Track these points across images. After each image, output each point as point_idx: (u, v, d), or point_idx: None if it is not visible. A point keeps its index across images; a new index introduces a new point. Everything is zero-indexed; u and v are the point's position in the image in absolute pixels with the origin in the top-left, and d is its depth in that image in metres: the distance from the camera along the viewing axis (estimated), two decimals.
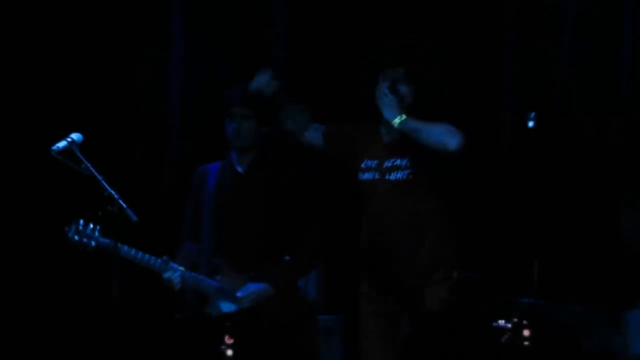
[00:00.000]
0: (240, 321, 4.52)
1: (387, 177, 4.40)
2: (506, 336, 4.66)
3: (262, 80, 4.61)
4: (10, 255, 5.87)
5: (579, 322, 5.24)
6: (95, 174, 4.15)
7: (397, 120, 4.30)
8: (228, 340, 4.45)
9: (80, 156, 4.18)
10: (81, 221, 4.52)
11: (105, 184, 4.13)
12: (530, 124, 4.45)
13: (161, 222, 5.57)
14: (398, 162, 4.39)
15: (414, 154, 4.35)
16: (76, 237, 4.50)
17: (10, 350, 5.84)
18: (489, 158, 5.97)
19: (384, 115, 4.35)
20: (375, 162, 4.44)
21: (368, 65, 4.46)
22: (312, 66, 6.07)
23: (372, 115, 4.42)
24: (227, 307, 4.57)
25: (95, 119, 5.83)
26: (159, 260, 4.52)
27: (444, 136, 4.24)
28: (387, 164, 4.41)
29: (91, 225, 4.52)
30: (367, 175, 4.45)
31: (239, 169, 4.69)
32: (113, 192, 4.12)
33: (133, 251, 4.47)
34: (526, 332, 4.75)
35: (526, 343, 4.76)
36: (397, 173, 4.39)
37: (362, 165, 4.47)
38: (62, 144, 4.21)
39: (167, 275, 4.52)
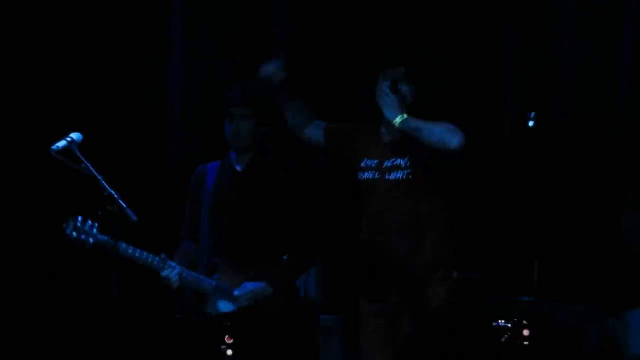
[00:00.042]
0: (239, 321, 4.52)
1: (387, 177, 4.40)
2: (506, 336, 4.65)
3: (271, 69, 4.61)
4: (11, 255, 5.87)
5: (579, 321, 5.24)
6: (95, 173, 4.14)
7: (398, 120, 4.30)
8: (228, 340, 4.45)
9: (80, 156, 4.18)
10: (80, 218, 4.52)
11: (105, 184, 4.13)
12: (531, 123, 4.45)
13: (161, 222, 5.57)
14: (398, 162, 4.39)
15: (414, 153, 4.35)
16: (74, 234, 4.50)
17: (10, 349, 5.84)
18: (489, 158, 5.97)
19: (385, 115, 4.35)
20: (376, 161, 4.44)
21: (368, 65, 4.46)
22: (312, 66, 6.06)
23: (373, 115, 4.42)
24: (225, 306, 4.57)
25: (95, 119, 5.84)
26: (157, 259, 4.52)
27: (446, 135, 4.24)
28: (387, 163, 4.41)
29: (90, 222, 4.52)
30: (367, 175, 4.45)
31: (238, 169, 4.69)
32: (113, 192, 4.12)
33: (131, 249, 4.47)
34: (526, 332, 4.76)
35: (526, 343, 4.77)
36: (397, 173, 4.39)
37: (362, 165, 4.47)
38: (62, 143, 4.20)
39: (165, 273, 4.52)
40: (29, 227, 5.81)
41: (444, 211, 4.42)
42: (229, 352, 4.42)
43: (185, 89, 6.25)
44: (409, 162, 4.38)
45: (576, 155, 5.91)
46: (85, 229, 4.50)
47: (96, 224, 4.51)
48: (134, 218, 4.11)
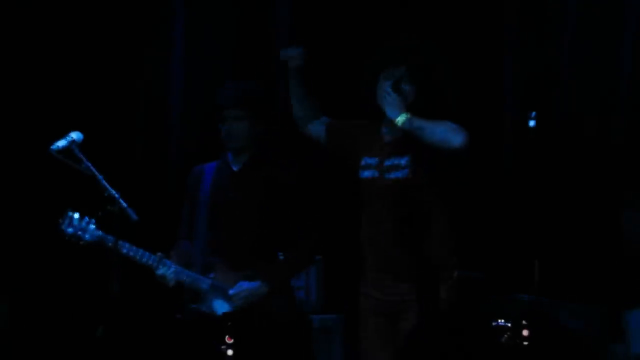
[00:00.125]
0: (235, 320, 4.51)
1: (386, 176, 4.40)
2: (506, 335, 4.64)
3: (292, 52, 4.60)
4: (11, 253, 5.88)
5: (579, 321, 5.24)
6: (96, 173, 4.15)
7: (400, 119, 4.30)
8: (228, 340, 4.45)
9: (81, 155, 4.18)
10: (76, 214, 4.52)
11: (105, 184, 4.14)
12: (531, 123, 4.44)
13: (161, 222, 5.57)
14: (398, 161, 4.39)
15: (414, 153, 4.35)
16: (70, 230, 4.51)
17: (10, 347, 5.85)
18: (490, 158, 5.96)
19: (387, 114, 4.35)
20: (376, 160, 4.44)
21: (369, 64, 4.46)
22: (312, 66, 6.06)
23: (374, 114, 4.42)
24: (220, 305, 4.57)
25: (95, 118, 5.84)
26: (153, 257, 4.52)
27: (448, 134, 4.23)
28: (387, 162, 4.41)
29: (86, 219, 4.53)
30: (367, 173, 4.45)
31: (234, 168, 4.69)
32: (113, 192, 4.12)
33: (127, 247, 4.47)
34: (525, 332, 4.75)
35: (525, 343, 4.76)
36: (397, 172, 4.39)
37: (362, 163, 4.47)
38: (62, 143, 4.21)
39: (160, 271, 4.53)
40: (29, 226, 5.82)
41: (444, 211, 4.42)
42: (229, 352, 4.42)
43: (185, 89, 6.25)
44: (408, 162, 4.38)
45: (576, 155, 5.91)
46: (81, 225, 4.51)
47: (92, 221, 4.52)
48: (134, 217, 4.12)
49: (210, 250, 4.62)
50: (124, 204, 4.12)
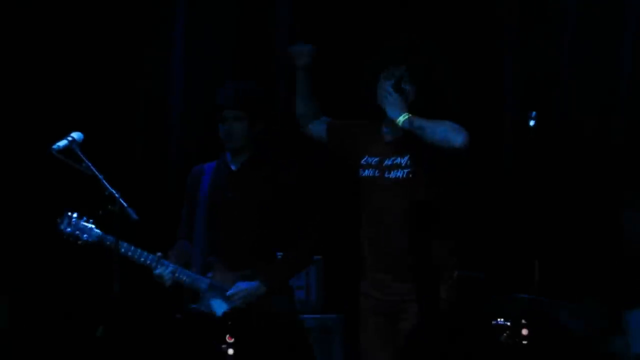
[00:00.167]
0: (234, 320, 4.51)
1: (386, 175, 4.40)
2: (505, 334, 4.65)
3: (302, 48, 4.59)
4: (11, 253, 5.88)
5: (579, 321, 5.24)
6: (96, 173, 4.16)
7: (401, 119, 4.30)
8: (229, 339, 4.45)
9: (81, 155, 4.19)
10: (74, 213, 4.53)
11: (105, 183, 4.14)
12: (531, 123, 4.44)
13: (162, 221, 5.57)
14: (398, 160, 4.39)
15: (414, 152, 4.35)
16: (68, 229, 4.52)
17: (10, 347, 5.85)
18: (490, 157, 5.96)
19: (387, 114, 4.35)
20: (376, 159, 4.44)
21: (370, 64, 4.46)
22: (312, 66, 6.06)
23: (374, 113, 4.42)
24: (218, 304, 4.57)
25: (96, 118, 5.84)
26: (151, 256, 4.52)
27: (449, 134, 4.24)
28: (387, 162, 4.41)
29: (85, 218, 4.53)
30: (367, 172, 4.45)
31: (233, 168, 4.69)
32: (114, 191, 4.13)
33: (125, 246, 4.47)
34: (524, 331, 4.75)
35: (524, 342, 4.76)
36: (397, 171, 4.39)
37: (363, 162, 4.47)
38: (62, 142, 4.22)
39: (158, 271, 4.53)
40: (29, 226, 5.82)
41: (444, 210, 4.42)
42: (230, 351, 4.43)
43: (185, 89, 6.25)
44: (409, 161, 4.38)
45: (576, 155, 5.91)
46: (80, 225, 4.52)
47: (91, 220, 4.53)
48: (135, 217, 4.13)
49: (209, 250, 4.62)
50: (124, 204, 4.12)
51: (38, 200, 5.82)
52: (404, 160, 4.39)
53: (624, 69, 5.88)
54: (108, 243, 4.49)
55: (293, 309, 4.69)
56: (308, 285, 5.82)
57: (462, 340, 4.44)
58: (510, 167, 6.02)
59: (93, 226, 4.53)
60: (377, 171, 4.43)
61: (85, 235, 4.52)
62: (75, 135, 4.26)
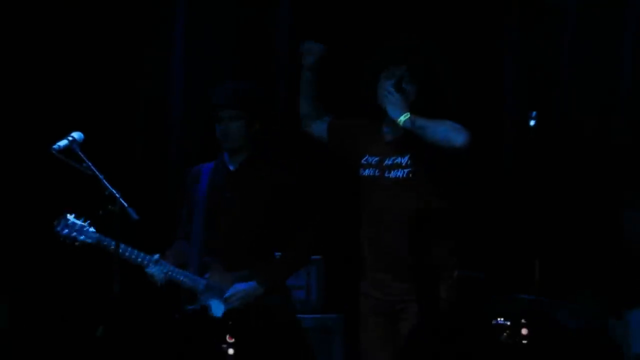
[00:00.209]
0: (232, 320, 4.52)
1: (386, 175, 4.40)
2: (505, 334, 4.65)
3: (314, 46, 4.58)
4: (11, 253, 5.88)
5: (579, 321, 5.24)
6: (96, 172, 4.16)
7: (402, 119, 4.30)
8: (229, 339, 4.45)
9: (81, 155, 4.19)
10: (71, 215, 4.53)
11: (106, 183, 4.14)
12: (532, 123, 4.44)
13: (162, 222, 5.58)
14: (398, 160, 4.39)
15: (414, 152, 4.35)
16: (65, 231, 4.52)
17: (10, 347, 5.85)
18: (490, 157, 5.96)
19: (388, 114, 4.34)
20: (376, 159, 4.44)
21: (370, 63, 4.46)
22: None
23: (374, 113, 4.42)
24: (215, 305, 4.57)
25: (96, 118, 5.84)
26: (147, 257, 4.51)
27: (450, 133, 4.23)
28: (388, 161, 4.41)
29: (81, 220, 4.53)
30: (367, 172, 4.45)
31: (231, 168, 4.69)
32: (114, 191, 4.13)
33: (122, 247, 4.47)
34: (524, 331, 4.75)
35: (524, 342, 4.76)
36: (397, 171, 4.39)
37: (363, 162, 4.47)
38: (63, 142, 4.22)
39: (149, 270, 4.52)
40: (29, 226, 5.81)
41: (444, 210, 4.42)
42: (230, 351, 4.42)
43: (185, 89, 6.25)
44: (409, 161, 4.38)
45: (576, 155, 5.91)
46: (76, 227, 4.51)
47: (87, 222, 4.53)
48: (135, 217, 4.13)
49: (206, 250, 4.62)
50: (125, 204, 4.12)
51: (38, 200, 5.82)
52: (404, 160, 4.39)
53: (624, 69, 5.89)
54: (105, 244, 4.49)
55: (288, 307, 4.67)
56: (308, 285, 5.82)
57: (462, 340, 4.44)
58: (510, 167, 6.02)
59: (90, 227, 4.53)
60: (377, 171, 4.43)
61: (82, 237, 4.52)
62: (76, 135, 4.26)
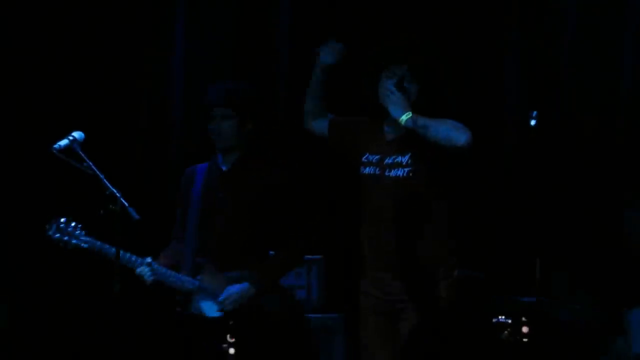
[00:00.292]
0: (230, 320, 4.51)
1: (387, 174, 4.39)
2: (506, 332, 4.66)
3: (334, 45, 4.57)
4: (11, 253, 5.88)
5: (580, 321, 5.25)
6: (97, 172, 4.16)
7: (404, 118, 4.29)
8: (230, 339, 4.44)
9: (82, 155, 4.19)
10: (63, 219, 4.53)
11: (106, 183, 4.14)
12: (532, 122, 4.45)
13: (162, 222, 5.57)
14: (399, 159, 4.39)
15: (415, 151, 4.35)
16: (57, 235, 4.52)
17: (10, 347, 5.85)
18: (491, 157, 5.97)
19: (390, 113, 4.34)
20: (377, 157, 4.43)
21: (371, 63, 4.45)
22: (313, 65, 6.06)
23: (374, 112, 4.41)
24: (208, 306, 4.56)
25: (97, 118, 5.84)
26: (138, 259, 4.51)
27: (453, 132, 4.23)
28: (388, 160, 4.41)
29: (73, 224, 4.53)
30: (368, 170, 4.44)
31: (224, 168, 4.68)
32: (115, 191, 4.13)
33: (114, 250, 4.45)
34: (525, 329, 4.76)
35: (525, 340, 4.77)
36: (398, 170, 4.38)
37: (363, 160, 4.46)
38: (63, 142, 4.22)
39: (138, 270, 4.52)
40: (29, 226, 5.81)
41: (444, 210, 4.42)
42: (231, 351, 4.42)
43: (185, 89, 6.25)
44: (409, 160, 4.38)
45: (577, 155, 5.92)
46: (68, 230, 4.51)
47: (79, 225, 4.53)
48: (135, 217, 4.13)
49: (199, 250, 4.61)
50: (125, 203, 4.12)
51: (39, 199, 5.82)
52: (404, 159, 4.39)
53: (624, 69, 5.90)
54: (98, 248, 4.49)
55: (287, 308, 4.65)
56: (309, 284, 5.82)
57: (462, 340, 4.44)
58: (511, 167, 6.02)
59: (82, 232, 4.52)
60: (377, 169, 4.42)
61: (74, 241, 4.51)
62: (76, 134, 4.26)
